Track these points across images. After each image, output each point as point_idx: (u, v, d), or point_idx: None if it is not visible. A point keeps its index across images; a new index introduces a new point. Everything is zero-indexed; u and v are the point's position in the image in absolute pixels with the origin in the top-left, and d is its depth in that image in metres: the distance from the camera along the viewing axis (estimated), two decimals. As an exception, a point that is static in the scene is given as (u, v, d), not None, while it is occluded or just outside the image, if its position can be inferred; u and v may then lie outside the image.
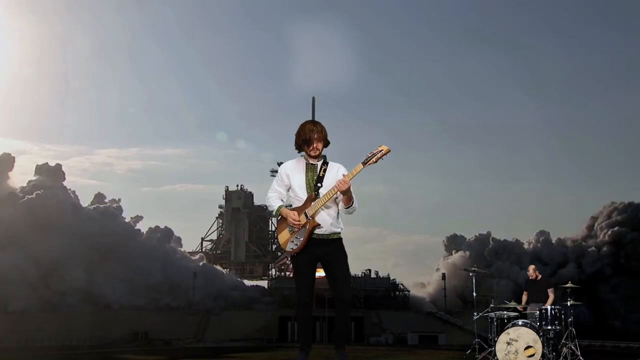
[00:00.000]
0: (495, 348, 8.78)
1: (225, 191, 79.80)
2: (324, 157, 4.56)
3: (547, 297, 10.40)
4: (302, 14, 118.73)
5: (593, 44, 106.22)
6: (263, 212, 78.25)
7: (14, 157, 64.11)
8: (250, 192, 79.32)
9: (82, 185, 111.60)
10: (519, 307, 9.76)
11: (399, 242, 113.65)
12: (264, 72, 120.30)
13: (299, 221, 4.42)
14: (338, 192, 4.36)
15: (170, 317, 52.70)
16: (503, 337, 8.71)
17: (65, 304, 53.40)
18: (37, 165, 65.41)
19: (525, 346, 8.54)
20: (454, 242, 75.29)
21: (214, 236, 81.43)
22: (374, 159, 4.23)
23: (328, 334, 51.95)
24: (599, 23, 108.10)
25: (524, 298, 10.70)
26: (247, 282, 69.70)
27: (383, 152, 4.23)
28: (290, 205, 4.56)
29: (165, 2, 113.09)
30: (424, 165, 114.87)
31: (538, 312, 9.34)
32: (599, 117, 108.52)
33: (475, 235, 74.13)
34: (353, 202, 4.44)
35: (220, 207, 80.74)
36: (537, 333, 8.65)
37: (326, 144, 4.50)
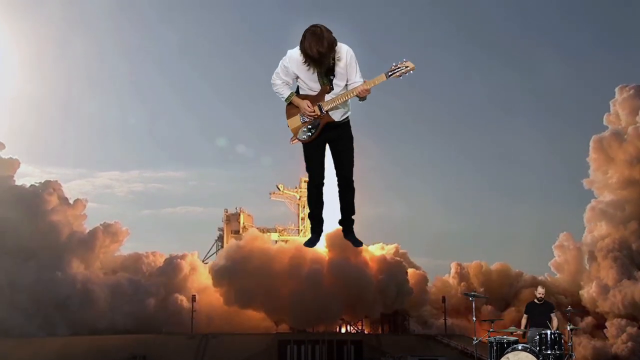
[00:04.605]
0: (495, 373, 8.72)
1: (225, 213, 79.73)
2: None
3: (549, 320, 10.13)
4: (304, 15, 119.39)
5: (594, 60, 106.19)
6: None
7: None
8: (250, 215, 79.29)
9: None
10: (518, 332, 9.69)
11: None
12: (265, 83, 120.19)
13: (314, 112, 4.37)
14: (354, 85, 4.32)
15: (168, 340, 52.27)
16: (503, 362, 8.65)
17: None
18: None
19: (525, 371, 8.48)
20: None
21: (213, 259, 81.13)
22: (397, 73, 4.17)
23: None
24: (602, 42, 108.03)
25: (523, 322, 10.51)
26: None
27: (408, 68, 4.14)
28: (298, 90, 4.44)
29: (163, 23, 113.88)
30: (426, 185, 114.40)
31: (538, 337, 9.27)
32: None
33: None
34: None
35: (219, 229, 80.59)
36: (537, 358, 8.60)
37: (334, 45, 4.16)
